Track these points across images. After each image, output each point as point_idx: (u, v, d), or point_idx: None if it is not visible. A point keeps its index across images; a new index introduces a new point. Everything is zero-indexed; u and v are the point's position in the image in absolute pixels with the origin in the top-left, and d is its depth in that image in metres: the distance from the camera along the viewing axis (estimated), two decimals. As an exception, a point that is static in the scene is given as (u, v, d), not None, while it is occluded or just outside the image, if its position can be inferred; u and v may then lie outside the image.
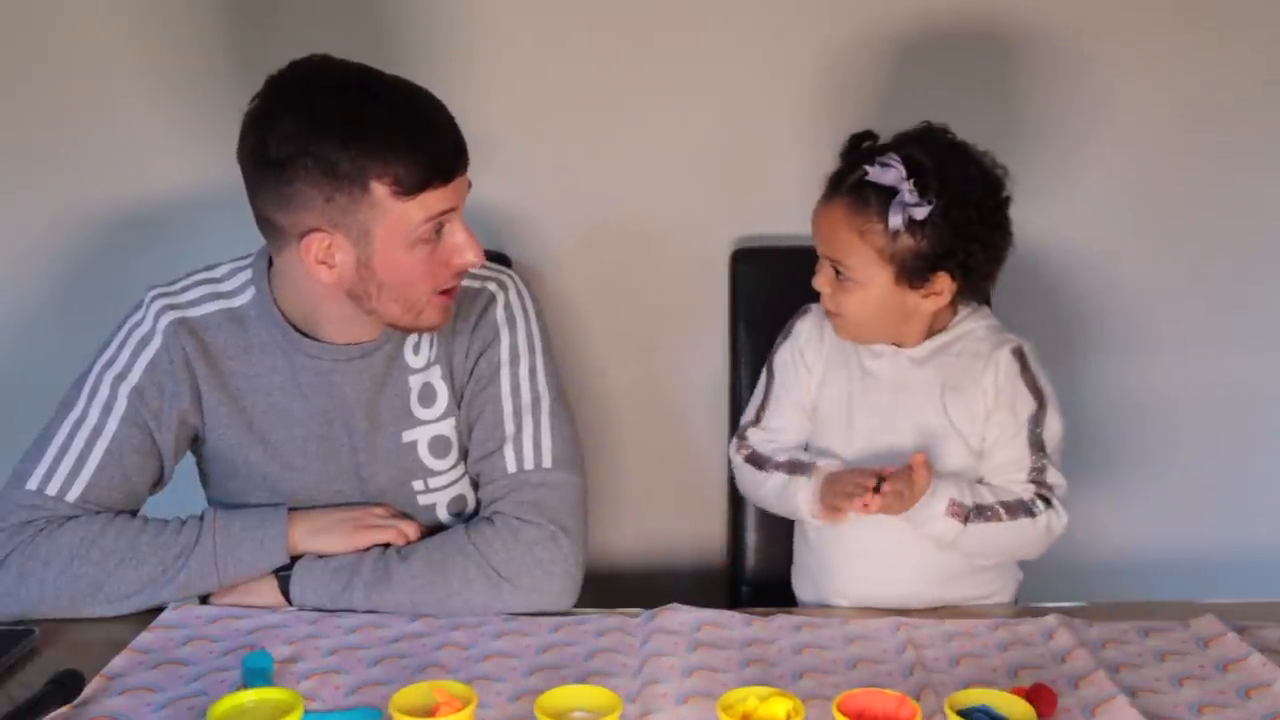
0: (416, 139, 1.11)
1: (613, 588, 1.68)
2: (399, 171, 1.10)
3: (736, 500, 1.65)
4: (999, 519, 1.23)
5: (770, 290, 1.65)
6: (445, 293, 1.20)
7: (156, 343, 1.24)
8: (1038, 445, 1.27)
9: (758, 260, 1.67)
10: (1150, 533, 1.82)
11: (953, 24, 1.67)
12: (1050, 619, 1.18)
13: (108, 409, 1.22)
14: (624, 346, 1.77)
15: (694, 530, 1.82)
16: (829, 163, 1.71)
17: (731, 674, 1.06)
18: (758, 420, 1.38)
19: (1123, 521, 1.81)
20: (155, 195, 1.69)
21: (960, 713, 0.90)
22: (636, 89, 1.68)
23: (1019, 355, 1.29)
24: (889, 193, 1.20)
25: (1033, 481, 1.26)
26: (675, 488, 1.82)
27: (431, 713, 0.89)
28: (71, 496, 1.19)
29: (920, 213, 1.19)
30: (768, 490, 1.33)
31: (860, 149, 1.26)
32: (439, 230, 1.15)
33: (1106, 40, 1.67)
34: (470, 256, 1.18)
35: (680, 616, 1.17)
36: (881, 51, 1.67)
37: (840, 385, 1.33)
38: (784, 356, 1.38)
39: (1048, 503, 1.25)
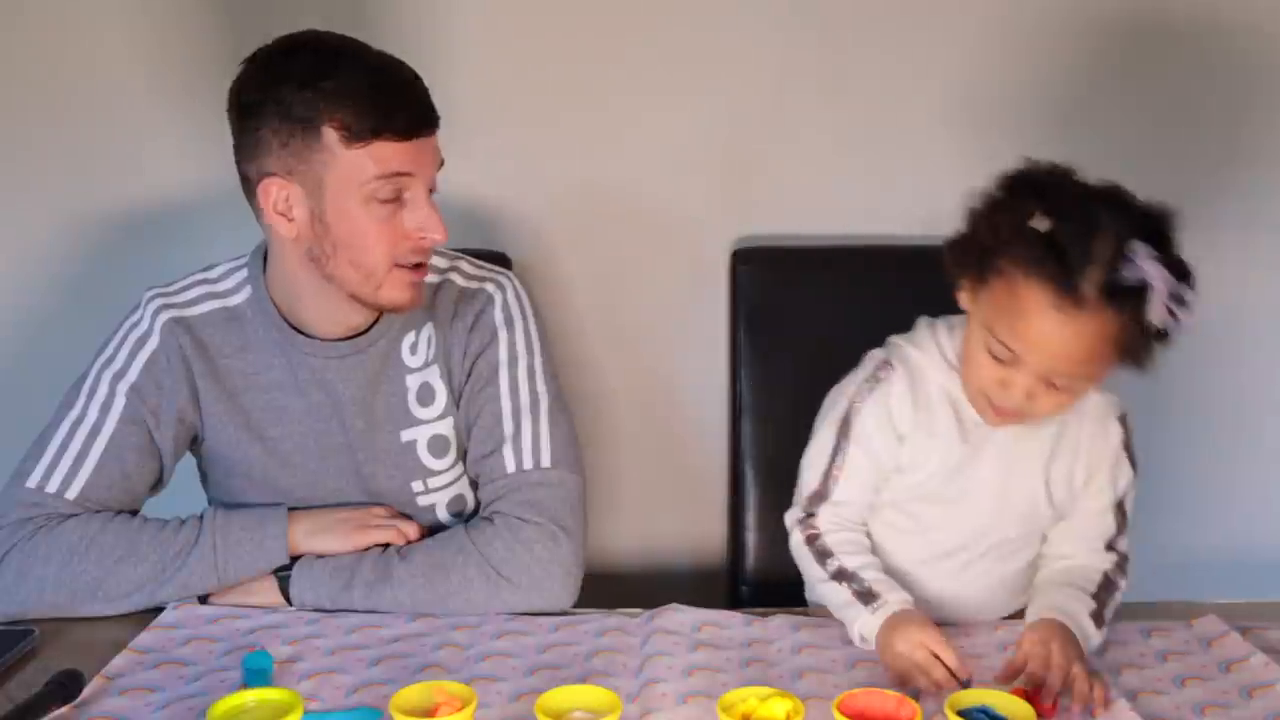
0: (371, 86, 1.11)
1: (613, 588, 1.67)
2: (348, 115, 1.10)
3: (736, 500, 1.66)
4: (1107, 605, 1.14)
5: (770, 290, 1.65)
6: (411, 269, 1.18)
7: (154, 341, 1.24)
8: (1121, 515, 1.19)
9: (758, 260, 1.67)
10: (1150, 533, 1.81)
11: (954, 18, 1.67)
12: (1051, 620, 1.17)
13: (106, 408, 1.22)
14: (624, 346, 1.77)
15: (694, 530, 1.82)
16: (829, 162, 1.71)
17: (731, 674, 1.06)
18: (826, 491, 1.19)
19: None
20: (155, 197, 1.69)
21: (960, 713, 0.90)
22: (637, 88, 1.68)
23: (1124, 422, 1.20)
24: (1141, 289, 1.00)
25: (1110, 550, 1.18)
26: (675, 488, 1.82)
27: (431, 713, 0.89)
28: (71, 494, 1.19)
29: (1189, 315, 1.02)
30: (822, 590, 1.17)
31: (1032, 228, 1.04)
32: (398, 194, 1.14)
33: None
34: (432, 234, 1.16)
35: (680, 617, 1.17)
36: (883, 50, 1.67)
37: (935, 457, 1.16)
38: (867, 420, 1.17)
39: (1123, 571, 1.18)
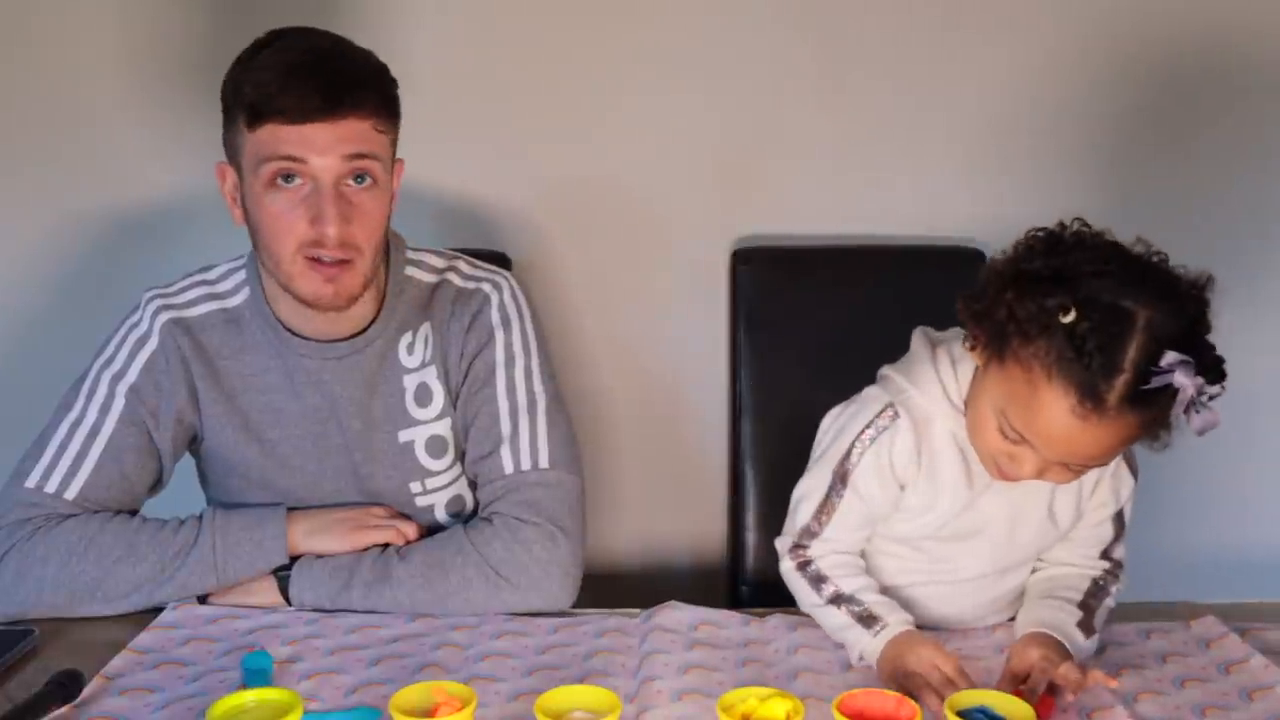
0: (275, 69, 1.10)
1: (612, 588, 1.67)
2: (251, 96, 1.10)
3: (736, 500, 1.66)
4: (1095, 611, 1.13)
5: (770, 290, 1.66)
6: (316, 262, 1.14)
7: (153, 342, 1.24)
8: (1120, 523, 1.18)
9: (758, 260, 1.67)
10: (1150, 533, 1.81)
11: (954, 19, 1.66)
12: (1050, 621, 1.17)
13: (105, 408, 1.22)
14: (623, 346, 1.77)
15: (694, 530, 1.82)
16: (830, 162, 1.71)
17: (728, 673, 1.06)
18: (818, 529, 1.16)
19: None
20: (154, 197, 1.69)
21: (960, 713, 0.90)
22: (637, 88, 1.68)
23: None
24: (1171, 391, 0.95)
25: (1104, 558, 1.17)
26: (675, 488, 1.82)
27: (431, 713, 0.89)
28: (70, 494, 1.20)
29: (1214, 418, 0.97)
30: (821, 615, 1.15)
31: (1061, 322, 0.96)
32: (289, 178, 1.11)
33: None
34: (322, 227, 1.12)
35: (677, 615, 1.17)
36: (883, 50, 1.67)
37: (939, 500, 1.13)
38: (867, 471, 1.13)
39: (1116, 577, 1.17)
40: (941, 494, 1.13)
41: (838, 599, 1.12)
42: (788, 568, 1.18)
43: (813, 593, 1.14)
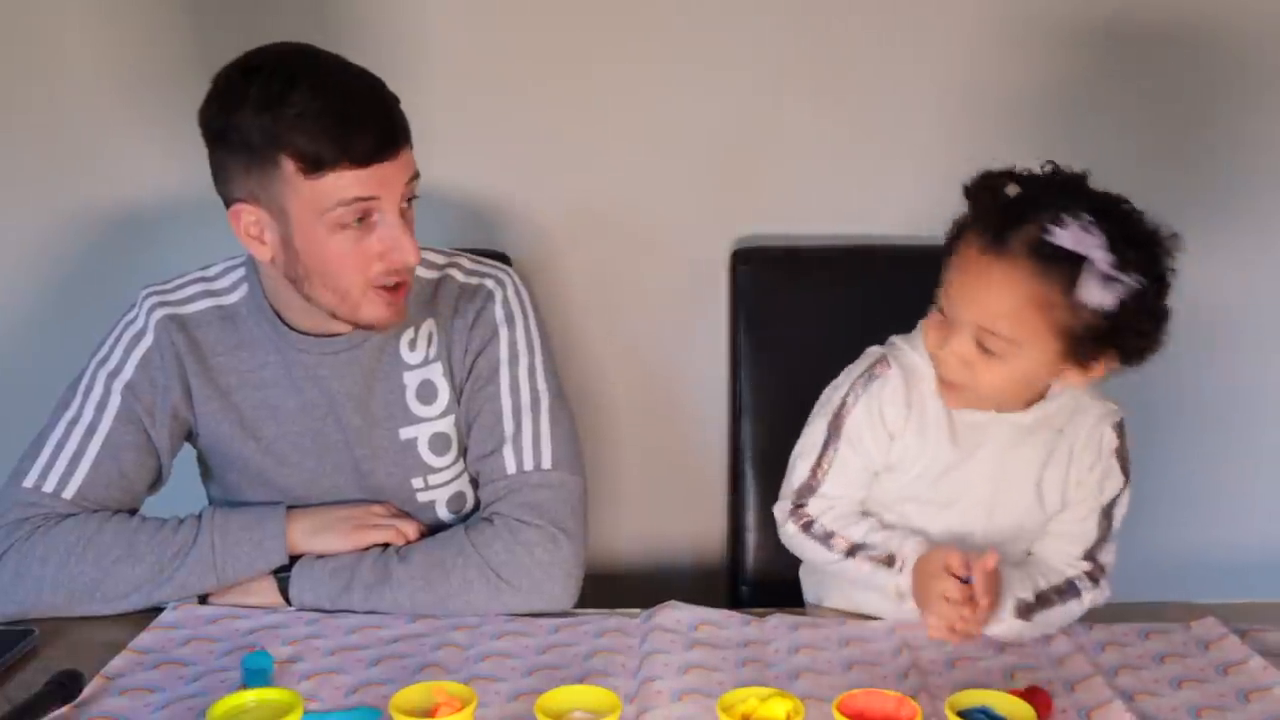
0: (327, 114, 1.08)
1: (613, 588, 1.68)
2: (303, 146, 1.07)
3: (736, 500, 1.66)
4: (1052, 605, 1.14)
5: (770, 290, 1.65)
6: (390, 290, 1.17)
7: (149, 339, 1.24)
8: (1106, 523, 1.19)
9: (758, 260, 1.67)
10: (1150, 534, 1.82)
11: (954, 19, 1.66)
12: (1050, 621, 1.17)
13: (102, 406, 1.22)
14: (623, 346, 1.77)
15: (694, 530, 1.82)
16: (829, 162, 1.71)
17: (728, 673, 1.06)
18: (815, 484, 1.20)
19: (1125, 522, 1.80)
20: (152, 198, 1.68)
21: (960, 713, 0.90)
22: (638, 86, 1.68)
23: (1119, 429, 1.19)
24: (1077, 259, 1.01)
25: (1087, 559, 1.18)
26: (675, 488, 1.82)
27: (431, 713, 0.90)
28: (68, 494, 1.19)
29: (1126, 293, 1.01)
30: (842, 569, 1.18)
31: (1003, 191, 1.09)
32: (363, 218, 1.12)
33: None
34: (404, 257, 1.14)
35: (677, 615, 1.17)
36: (883, 50, 1.67)
37: (925, 457, 1.17)
38: (858, 418, 1.19)
39: (1095, 581, 1.17)
40: (927, 448, 1.16)
41: (853, 550, 1.16)
42: (791, 531, 1.20)
43: (825, 550, 1.17)
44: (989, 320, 1.06)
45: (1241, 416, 1.80)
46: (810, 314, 1.65)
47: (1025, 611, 1.12)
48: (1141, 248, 1.04)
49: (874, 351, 1.22)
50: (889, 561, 1.14)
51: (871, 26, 1.66)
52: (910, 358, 1.18)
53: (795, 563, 1.39)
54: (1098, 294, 1.01)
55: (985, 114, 1.69)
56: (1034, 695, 0.98)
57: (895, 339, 1.23)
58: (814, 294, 1.66)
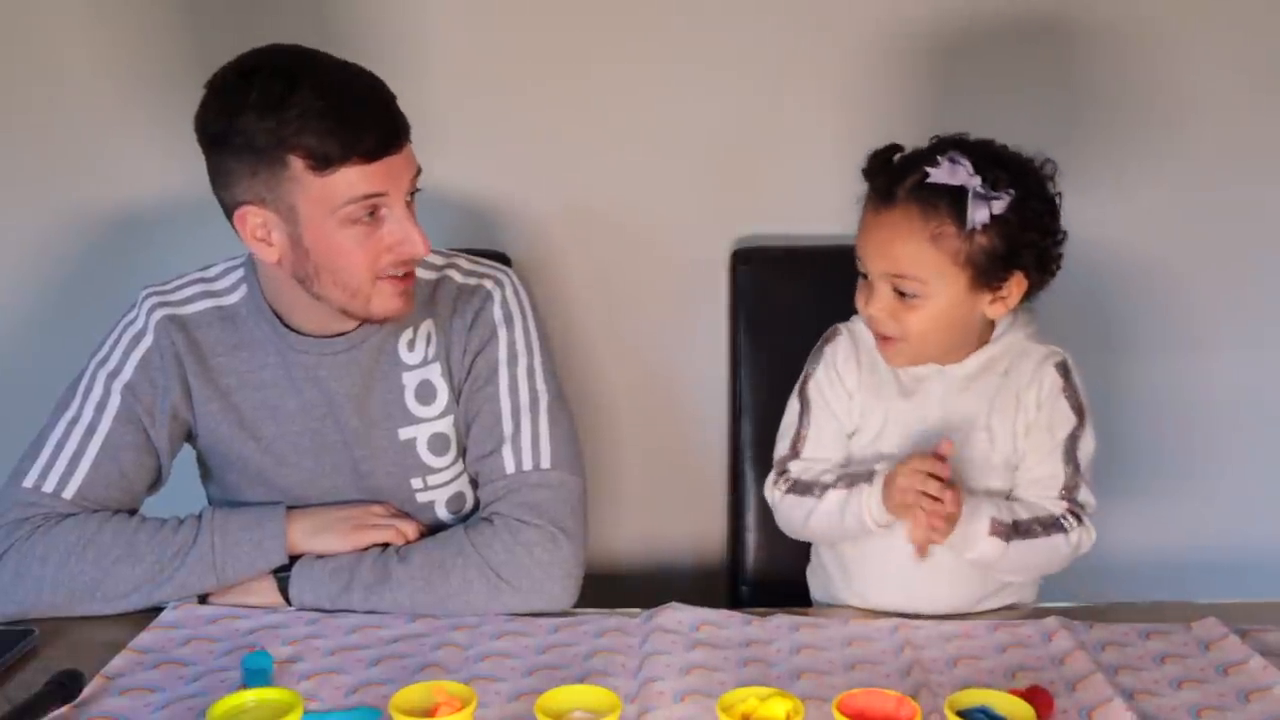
0: (332, 112, 1.09)
1: (613, 588, 1.68)
2: (312, 144, 1.08)
3: (737, 500, 1.66)
4: (1035, 535, 1.18)
5: (770, 290, 1.65)
6: (397, 279, 1.18)
7: (148, 339, 1.24)
8: (1072, 462, 1.22)
9: (758, 260, 1.67)
10: (1149, 534, 1.82)
11: (954, 20, 1.66)
12: (1050, 620, 1.17)
13: (101, 406, 1.22)
14: (623, 346, 1.77)
15: (694, 530, 1.82)
16: (829, 162, 1.70)
17: (729, 674, 1.06)
18: (796, 453, 1.29)
19: (1126, 521, 1.81)
20: (152, 198, 1.68)
21: (960, 713, 0.90)
22: (637, 86, 1.68)
23: (1062, 369, 1.24)
24: (957, 191, 1.13)
25: (1065, 499, 1.21)
26: (675, 488, 1.82)
27: (431, 713, 0.90)
28: (68, 494, 1.20)
29: (1000, 206, 1.13)
30: (821, 513, 1.24)
31: (891, 161, 1.20)
32: (373, 213, 1.13)
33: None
34: (414, 249, 1.16)
35: (679, 615, 1.17)
36: (886, 47, 1.67)
37: (880, 415, 1.26)
38: (820, 383, 1.29)
39: (1079, 519, 1.20)
40: (880, 404, 1.25)
41: (827, 487, 1.23)
42: (777, 496, 1.28)
43: (805, 500, 1.25)
44: (897, 265, 1.17)
45: (1242, 416, 1.80)
46: (810, 314, 1.64)
47: (1004, 533, 1.17)
48: (1006, 166, 1.16)
49: (830, 328, 1.33)
50: (861, 479, 1.20)
51: (871, 26, 1.66)
52: (857, 325, 1.29)
53: (795, 562, 1.39)
54: (979, 214, 1.13)
55: (986, 114, 1.69)
56: (1035, 695, 0.98)
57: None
58: (814, 294, 1.64)
